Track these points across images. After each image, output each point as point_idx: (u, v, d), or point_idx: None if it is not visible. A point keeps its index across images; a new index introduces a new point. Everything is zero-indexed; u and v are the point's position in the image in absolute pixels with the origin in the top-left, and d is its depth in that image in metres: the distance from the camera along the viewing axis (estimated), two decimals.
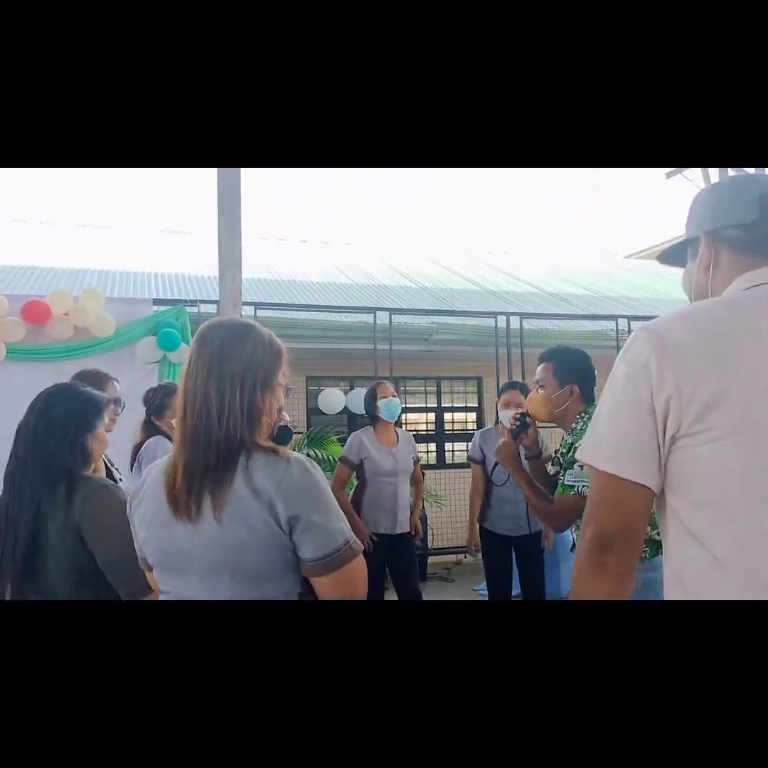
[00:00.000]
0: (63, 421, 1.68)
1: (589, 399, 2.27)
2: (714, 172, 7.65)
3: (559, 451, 2.27)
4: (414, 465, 3.82)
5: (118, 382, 2.66)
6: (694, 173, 7.98)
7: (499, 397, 3.66)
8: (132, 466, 2.87)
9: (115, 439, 2.15)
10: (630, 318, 7.20)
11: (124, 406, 2.52)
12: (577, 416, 2.25)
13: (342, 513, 1.19)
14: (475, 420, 7.87)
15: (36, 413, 1.70)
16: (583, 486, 2.07)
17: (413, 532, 3.78)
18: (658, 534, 1.98)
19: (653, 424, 0.90)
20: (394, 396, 3.73)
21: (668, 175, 8.46)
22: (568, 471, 2.14)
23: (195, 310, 5.55)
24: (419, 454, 3.99)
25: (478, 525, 3.71)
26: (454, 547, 6.20)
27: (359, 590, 1.17)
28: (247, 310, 5.53)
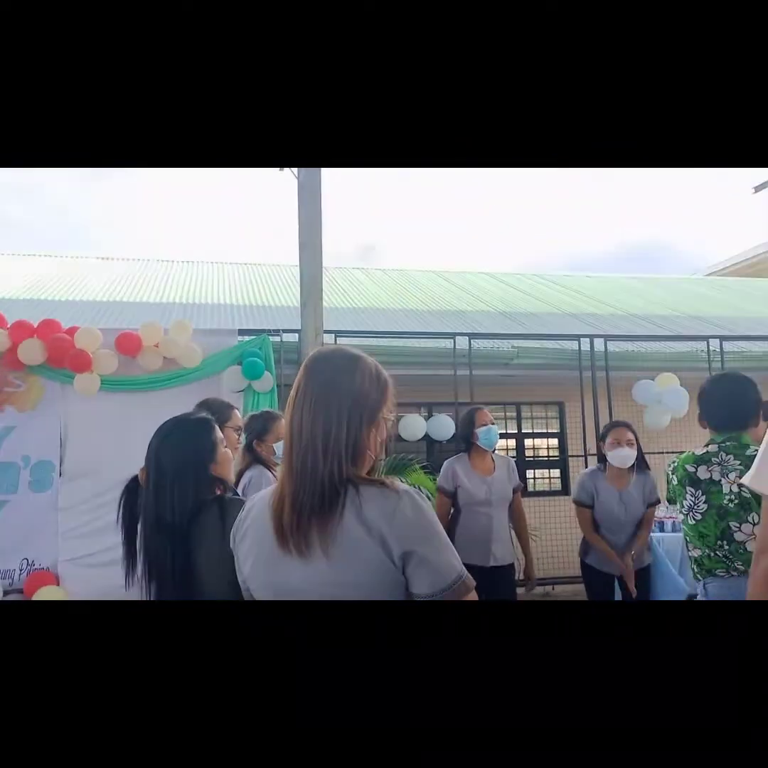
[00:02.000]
0: (181, 465, 1.75)
1: (713, 428, 2.37)
2: None
3: None
4: (513, 493, 3.61)
5: (238, 410, 2.73)
6: None
7: (602, 437, 3.55)
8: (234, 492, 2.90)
9: None
10: (722, 338, 6.87)
11: (242, 434, 2.60)
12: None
13: (453, 547, 1.14)
14: (556, 445, 7.66)
15: (156, 457, 1.78)
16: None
17: (525, 578, 3.64)
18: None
19: None
20: (493, 423, 3.58)
21: (756, 189, 8.10)
22: None
23: (278, 339, 5.67)
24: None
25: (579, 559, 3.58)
26: (540, 579, 5.99)
27: None
28: (328, 338, 5.59)
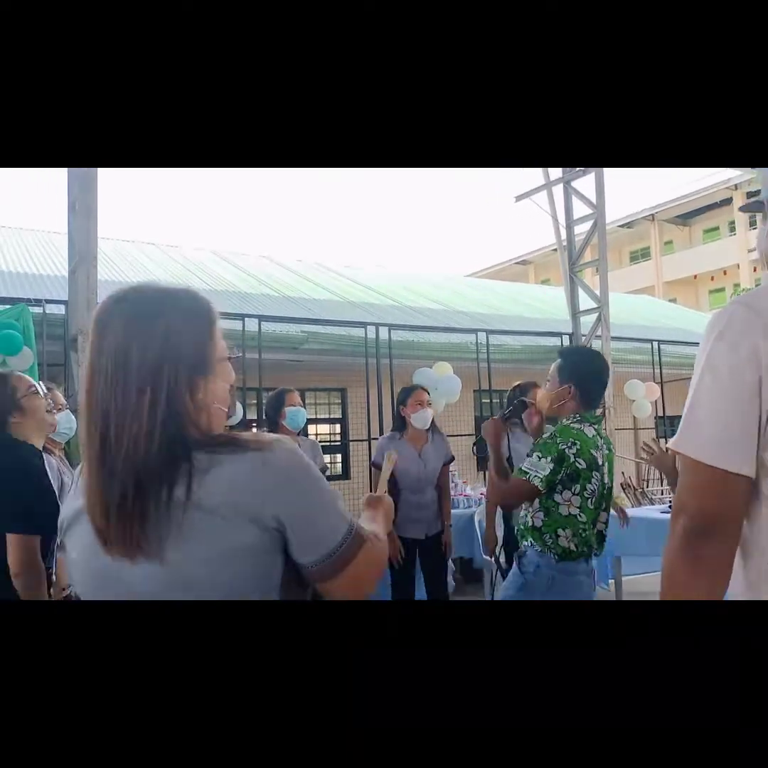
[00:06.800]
0: None
1: (587, 403, 2.29)
2: (559, 197, 8.23)
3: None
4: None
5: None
6: (541, 197, 8.52)
7: (403, 401, 3.62)
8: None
9: None
10: (488, 332, 7.55)
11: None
12: (571, 415, 2.26)
13: (335, 494, 0.97)
14: (339, 431, 7.79)
15: None
16: (535, 475, 2.14)
17: None
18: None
19: (757, 411, 0.84)
20: (301, 406, 3.55)
21: (517, 199, 8.96)
22: (528, 458, 2.19)
23: (39, 310, 4.97)
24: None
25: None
26: None
27: (370, 585, 0.97)
28: None
